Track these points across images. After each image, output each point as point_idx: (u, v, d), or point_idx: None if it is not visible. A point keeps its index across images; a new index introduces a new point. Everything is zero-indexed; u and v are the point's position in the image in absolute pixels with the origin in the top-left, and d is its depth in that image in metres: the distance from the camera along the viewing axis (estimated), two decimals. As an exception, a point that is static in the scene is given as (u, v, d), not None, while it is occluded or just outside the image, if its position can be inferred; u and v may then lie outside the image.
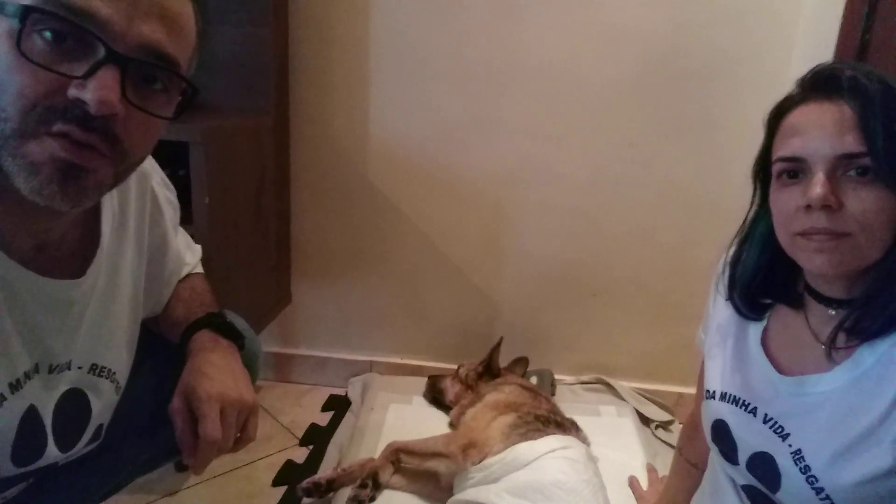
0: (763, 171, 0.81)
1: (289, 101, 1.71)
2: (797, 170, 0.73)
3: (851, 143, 0.68)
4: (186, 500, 1.37)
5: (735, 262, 0.88)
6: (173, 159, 1.32)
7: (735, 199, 1.62)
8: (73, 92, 0.55)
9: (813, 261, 0.73)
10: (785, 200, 0.74)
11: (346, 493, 1.28)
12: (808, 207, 0.70)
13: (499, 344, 1.67)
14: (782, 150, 0.75)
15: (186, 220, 1.25)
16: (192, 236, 1.13)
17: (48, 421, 0.74)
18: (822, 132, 0.70)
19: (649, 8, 1.58)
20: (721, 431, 0.87)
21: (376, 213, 1.80)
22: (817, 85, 0.73)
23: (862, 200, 0.68)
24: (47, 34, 0.55)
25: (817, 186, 0.69)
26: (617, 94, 1.65)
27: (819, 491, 0.73)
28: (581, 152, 1.70)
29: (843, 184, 0.69)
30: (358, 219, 1.81)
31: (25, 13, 0.54)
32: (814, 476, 0.74)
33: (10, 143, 0.56)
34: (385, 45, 1.68)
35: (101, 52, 0.56)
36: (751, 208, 0.87)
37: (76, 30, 0.55)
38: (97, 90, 0.55)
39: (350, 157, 1.76)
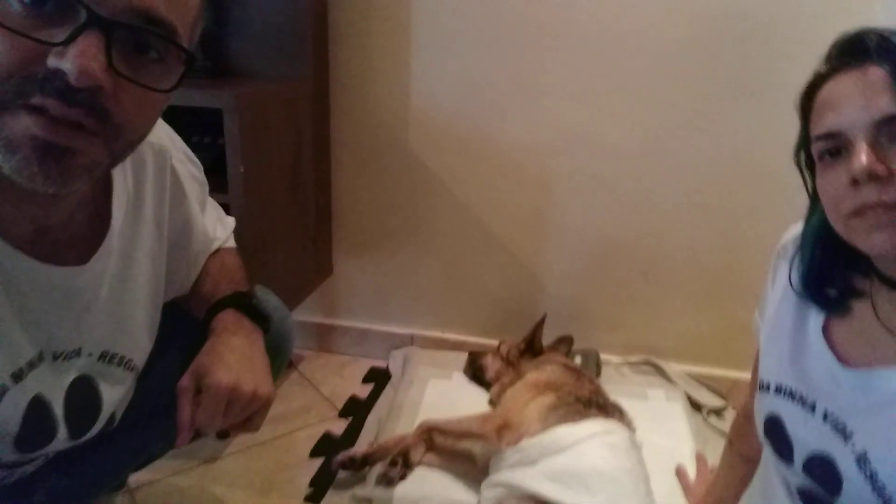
0: (807, 158, 0.75)
1: (328, 69, 1.67)
2: (837, 147, 0.67)
3: (887, 104, 0.63)
4: (225, 468, 1.39)
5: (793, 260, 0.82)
6: (210, 127, 1.31)
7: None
8: (52, 61, 0.49)
9: (872, 241, 0.66)
10: (830, 182, 0.68)
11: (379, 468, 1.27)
12: (856, 183, 0.64)
13: (542, 321, 1.62)
14: (818, 128, 0.69)
15: (222, 189, 1.24)
16: (227, 206, 1.11)
17: (59, 409, 0.73)
18: (856, 100, 0.65)
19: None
20: (775, 428, 0.79)
21: (418, 185, 1.76)
22: (843, 54, 0.70)
23: None
24: None
25: (861, 156, 0.63)
26: (671, 56, 1.53)
27: (888, 500, 0.65)
28: (631, 119, 1.60)
29: (889, 150, 0.63)
30: (399, 190, 1.78)
31: None
32: (882, 484, 0.66)
33: None
34: (426, 10, 1.61)
35: (83, 15, 0.50)
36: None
37: None
38: (77, 58, 0.49)
39: (390, 126, 1.72)
